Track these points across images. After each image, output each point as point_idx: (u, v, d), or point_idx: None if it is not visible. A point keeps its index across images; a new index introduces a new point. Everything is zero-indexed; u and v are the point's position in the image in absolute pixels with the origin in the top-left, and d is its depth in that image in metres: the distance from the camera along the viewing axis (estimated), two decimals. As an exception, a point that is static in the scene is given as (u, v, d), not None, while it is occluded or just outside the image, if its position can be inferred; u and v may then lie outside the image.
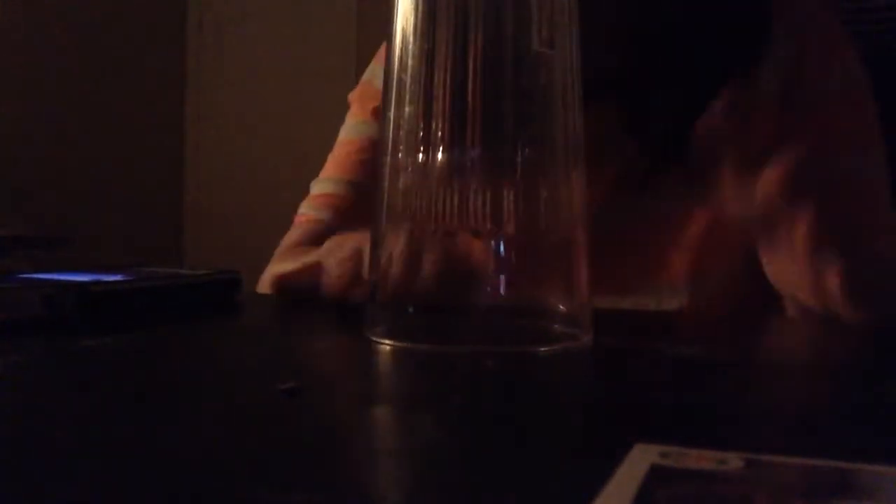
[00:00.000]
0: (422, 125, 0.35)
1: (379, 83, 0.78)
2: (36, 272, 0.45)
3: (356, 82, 0.84)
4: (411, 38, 0.35)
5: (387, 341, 0.34)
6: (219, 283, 0.50)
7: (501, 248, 0.34)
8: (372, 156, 0.74)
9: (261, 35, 3.67)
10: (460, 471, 0.18)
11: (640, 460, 0.17)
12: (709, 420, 0.24)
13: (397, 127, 0.36)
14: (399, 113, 0.35)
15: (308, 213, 0.73)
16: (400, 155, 0.35)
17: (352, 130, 0.78)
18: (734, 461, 0.17)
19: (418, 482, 0.18)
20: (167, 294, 0.45)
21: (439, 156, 0.34)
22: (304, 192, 0.75)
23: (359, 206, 0.68)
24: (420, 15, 0.35)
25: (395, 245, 0.36)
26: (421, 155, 0.35)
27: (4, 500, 0.15)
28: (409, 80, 0.35)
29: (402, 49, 0.36)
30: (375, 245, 0.36)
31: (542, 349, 0.34)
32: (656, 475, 0.16)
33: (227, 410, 0.24)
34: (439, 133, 0.34)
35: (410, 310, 0.37)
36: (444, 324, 0.36)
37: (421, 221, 0.35)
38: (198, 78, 3.81)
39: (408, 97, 0.35)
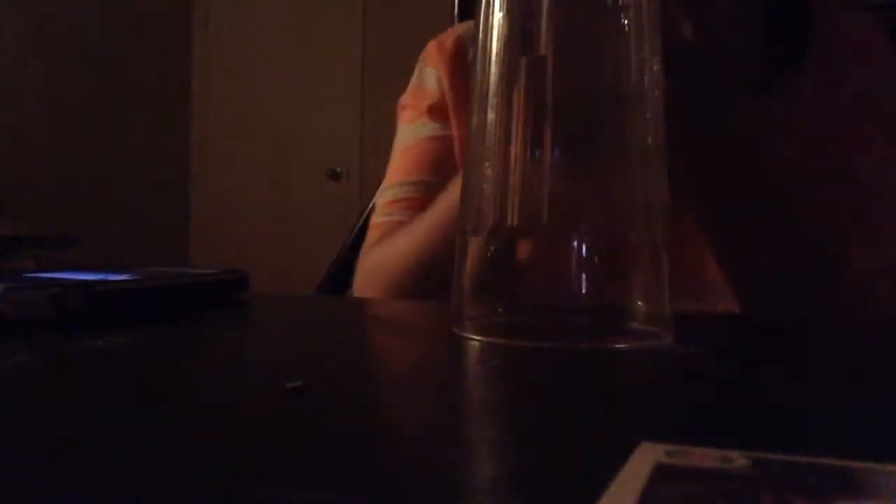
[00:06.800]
0: (504, 130, 0.36)
1: (431, 84, 0.79)
2: (42, 271, 0.45)
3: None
4: (496, 48, 0.36)
5: (475, 337, 0.35)
6: (226, 282, 0.50)
7: (583, 247, 0.35)
8: (435, 155, 0.76)
9: (266, 33, 3.68)
10: (461, 467, 0.18)
11: (645, 459, 0.17)
12: (714, 418, 0.23)
13: (480, 134, 0.37)
14: (483, 120, 0.37)
15: (385, 218, 0.74)
16: (484, 160, 0.36)
17: (410, 134, 0.79)
18: (739, 460, 0.17)
19: (418, 478, 0.18)
20: (174, 293, 0.46)
21: (522, 159, 0.35)
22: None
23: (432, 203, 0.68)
24: (507, 27, 0.36)
25: (482, 246, 0.37)
26: (503, 159, 0.36)
27: (5, 501, 0.15)
28: (492, 88, 0.36)
29: (486, 58, 0.37)
30: (462, 247, 0.37)
31: (620, 346, 0.35)
32: (661, 473, 0.16)
33: (236, 408, 0.24)
34: (520, 137, 0.35)
35: (500, 309, 0.38)
36: (530, 321, 0.37)
37: (506, 222, 0.36)
38: (203, 76, 3.83)
39: (490, 104, 0.36)
